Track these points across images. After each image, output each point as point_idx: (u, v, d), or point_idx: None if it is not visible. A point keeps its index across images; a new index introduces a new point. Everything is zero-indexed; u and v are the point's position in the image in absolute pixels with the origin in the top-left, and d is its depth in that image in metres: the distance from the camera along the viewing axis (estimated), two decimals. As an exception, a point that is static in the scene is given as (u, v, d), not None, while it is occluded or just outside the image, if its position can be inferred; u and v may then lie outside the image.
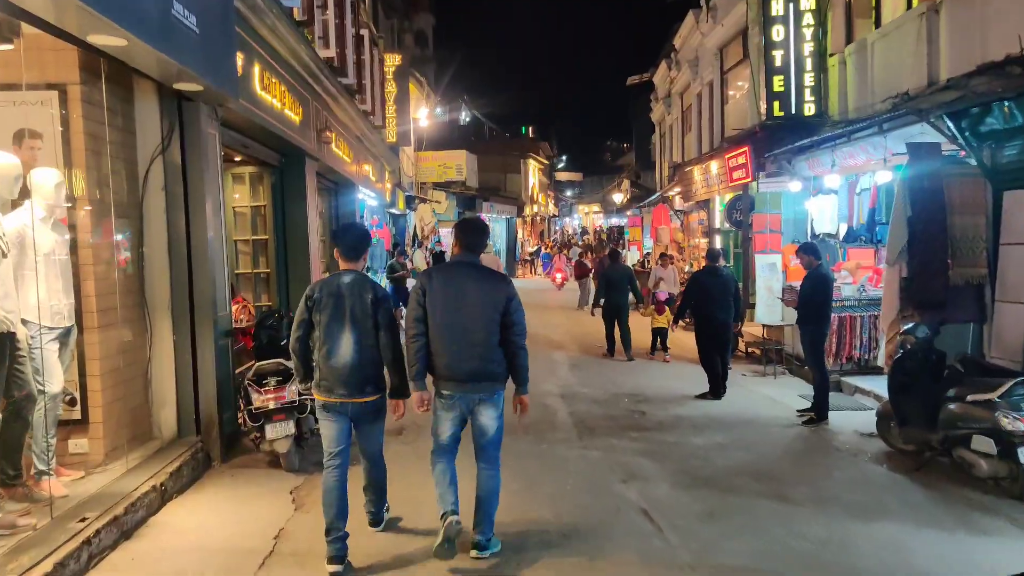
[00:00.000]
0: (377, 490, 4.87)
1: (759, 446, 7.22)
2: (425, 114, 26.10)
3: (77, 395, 5.25)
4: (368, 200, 17.67)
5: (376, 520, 4.95)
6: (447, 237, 30.18)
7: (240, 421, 6.25)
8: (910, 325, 7.27)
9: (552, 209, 53.73)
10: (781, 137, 12.01)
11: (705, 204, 18.27)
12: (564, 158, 68.95)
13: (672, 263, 16.05)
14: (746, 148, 12.20)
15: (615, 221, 67.07)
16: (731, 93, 16.86)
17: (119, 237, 5.76)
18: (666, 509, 5.49)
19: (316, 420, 6.67)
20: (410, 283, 17.20)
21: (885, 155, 8.99)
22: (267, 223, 10.47)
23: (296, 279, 10.65)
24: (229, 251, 10.38)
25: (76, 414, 5.31)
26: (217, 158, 6.80)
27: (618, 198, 35.59)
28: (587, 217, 72.52)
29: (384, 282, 17.59)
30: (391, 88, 19.74)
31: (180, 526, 5.16)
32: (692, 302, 10.00)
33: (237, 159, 9.99)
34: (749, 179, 12.28)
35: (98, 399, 5.35)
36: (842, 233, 11.39)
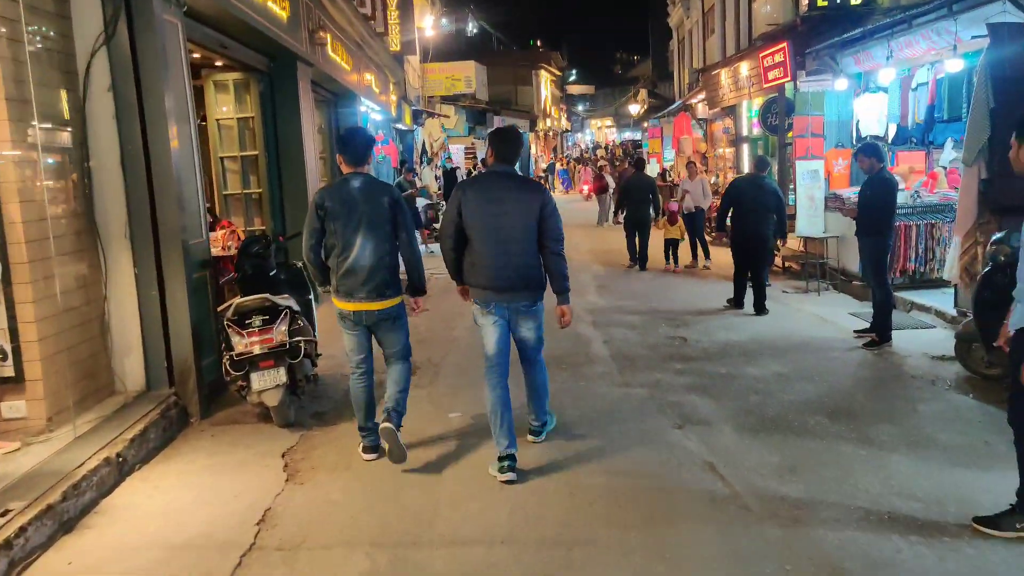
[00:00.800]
0: (400, 393, 4.66)
1: (823, 375, 6.27)
2: (431, 23, 24.45)
3: (7, 347, 4.28)
4: (372, 114, 16.43)
5: (399, 413, 4.66)
6: (457, 154, 28.91)
7: (224, 370, 5.29)
8: (1001, 234, 6.19)
9: (565, 124, 51.89)
10: (822, 31, 10.73)
11: (732, 111, 16.95)
12: (574, 72, 66.49)
13: (699, 173, 14.84)
14: (784, 45, 10.89)
15: (628, 135, 65.33)
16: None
17: (51, 148, 4.70)
18: (737, 463, 4.53)
19: (313, 364, 5.87)
20: (420, 202, 16.14)
21: (953, 41, 7.76)
22: (256, 137, 9.37)
23: (292, 200, 9.63)
24: (215, 169, 9.37)
25: (8, 370, 4.35)
26: (181, 53, 5.69)
27: (634, 109, 33.93)
28: (599, 132, 70.57)
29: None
30: (393, -7, 18.22)
31: (140, 510, 4.14)
32: (729, 212, 9.12)
33: (218, 63, 8.85)
34: (787, 79, 11.01)
35: (35, 351, 4.35)
36: (891, 135, 10.18)
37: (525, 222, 4.34)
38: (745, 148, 16.76)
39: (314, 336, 5.99)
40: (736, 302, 9.07)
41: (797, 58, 10.72)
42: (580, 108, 68.59)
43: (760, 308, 8.69)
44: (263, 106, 9.33)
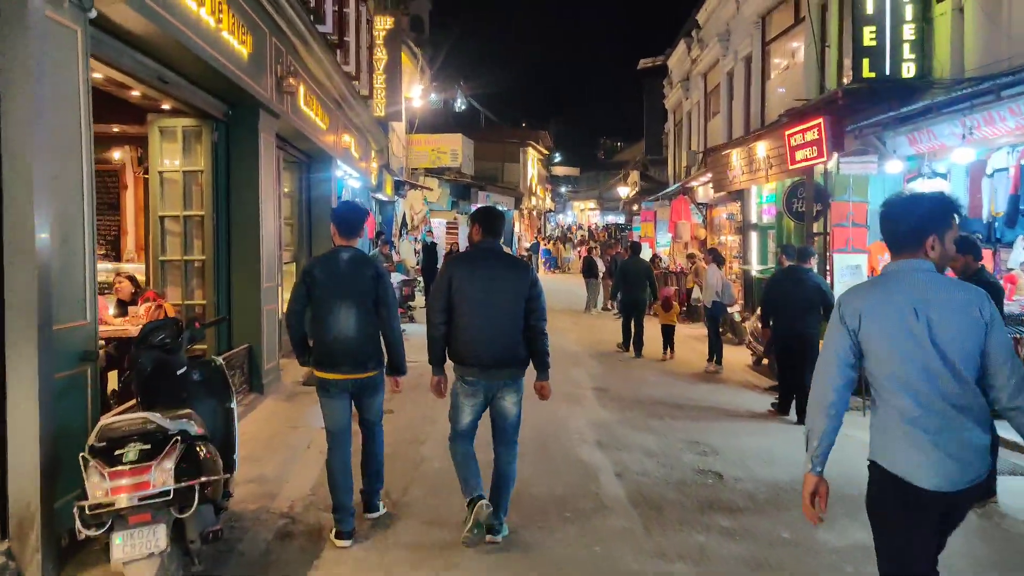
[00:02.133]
0: (374, 467, 4.77)
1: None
2: (419, 92, 23.43)
3: None
4: (349, 180, 15.05)
5: (372, 507, 4.79)
6: (438, 228, 27.59)
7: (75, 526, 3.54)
8: None
9: (549, 204, 51.11)
10: (862, 108, 9.53)
11: (739, 196, 15.76)
12: (558, 154, 66.31)
13: (706, 262, 13.48)
14: (819, 121, 9.67)
15: (612, 219, 64.85)
16: (778, 62, 14.34)
17: None
18: None
19: (219, 509, 4.17)
20: (395, 278, 14.61)
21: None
22: (204, 195, 7.85)
23: (241, 270, 8.06)
24: (153, 230, 7.80)
25: None
26: (78, 70, 4.18)
27: (623, 192, 32.98)
28: (582, 214, 70.07)
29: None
30: (380, 55, 17.11)
31: None
32: (771, 309, 8.22)
33: (165, 106, 7.38)
34: (822, 159, 9.75)
35: None
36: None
37: (514, 299, 4.41)
38: (753, 236, 15.50)
39: (231, 465, 4.35)
40: (782, 407, 8.14)
41: (835, 137, 9.48)
42: (563, 189, 68.16)
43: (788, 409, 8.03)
44: (216, 159, 7.84)
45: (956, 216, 2.73)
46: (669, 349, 11.85)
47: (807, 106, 10.37)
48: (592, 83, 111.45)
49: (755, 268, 15.35)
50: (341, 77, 11.49)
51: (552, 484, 5.64)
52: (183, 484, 3.34)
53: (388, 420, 6.74)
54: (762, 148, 12.50)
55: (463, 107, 40.26)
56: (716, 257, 12.06)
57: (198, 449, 3.61)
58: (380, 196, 20.15)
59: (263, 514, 4.76)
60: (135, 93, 6.68)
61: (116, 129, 8.34)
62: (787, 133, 10.86)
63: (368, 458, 4.76)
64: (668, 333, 11.89)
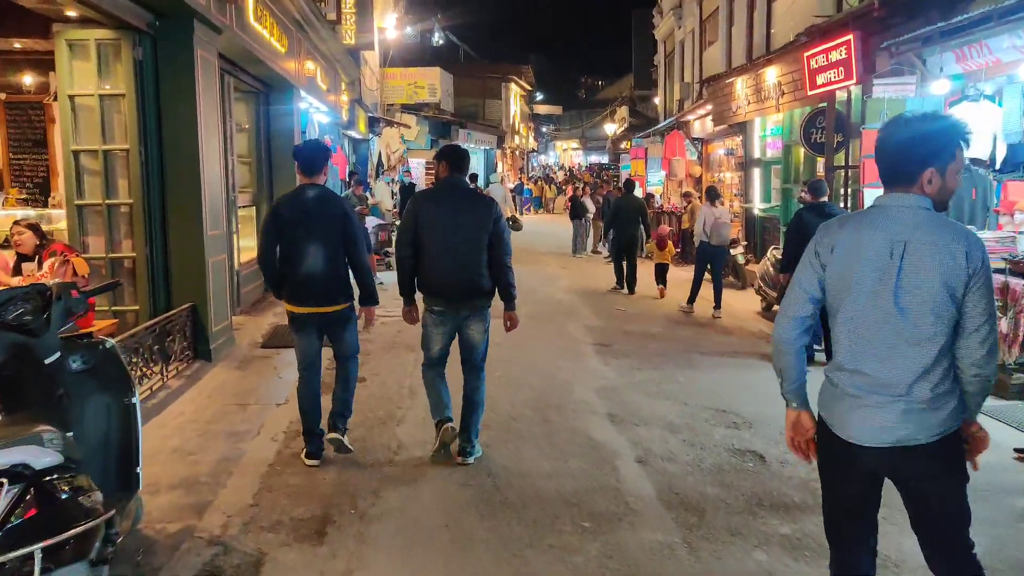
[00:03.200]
0: (343, 396, 4.79)
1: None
2: (393, 22, 21.71)
3: None
4: (316, 114, 13.63)
5: (335, 427, 4.74)
6: (417, 168, 26.14)
7: None
8: None
9: (532, 143, 49.44)
10: (898, 22, 8.25)
11: (740, 129, 14.52)
12: (540, 93, 64.25)
13: (700, 200, 12.31)
14: (849, 37, 8.40)
15: (595, 158, 63.26)
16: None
17: None
18: None
19: (102, 562, 3.00)
20: (370, 221, 13.34)
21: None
22: (128, 126, 6.52)
23: (179, 215, 6.82)
24: (64, 168, 6.50)
25: None
26: None
27: (610, 129, 31.54)
28: (564, 153, 68.41)
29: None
30: (348, -26, 15.47)
31: None
32: (793, 249, 7.15)
33: (71, 13, 6.00)
34: (851, 80, 8.51)
35: None
36: (999, 158, 7.70)
37: (479, 233, 4.56)
38: (756, 173, 14.33)
39: (131, 483, 3.20)
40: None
41: (866, 55, 8.23)
42: (545, 128, 66.28)
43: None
44: (141, 81, 6.50)
45: (963, 145, 2.36)
46: (661, 283, 11.70)
47: (831, 22, 9.08)
48: (574, 16, 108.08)
49: (758, 206, 14.23)
50: (300, -7, 10.01)
51: (561, 476, 4.54)
52: (13, 555, 2.15)
53: (359, 389, 5.66)
54: (772, 74, 11.23)
55: (441, 41, 38.23)
56: (710, 194, 10.92)
57: (56, 490, 2.43)
58: (353, 133, 18.70)
59: (185, 539, 3.60)
60: (27, -6, 5.31)
61: (18, 45, 6.94)
62: (806, 55, 9.58)
63: (339, 387, 4.80)
64: (662, 272, 11.74)
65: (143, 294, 6.71)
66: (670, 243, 12.02)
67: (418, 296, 4.76)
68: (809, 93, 9.61)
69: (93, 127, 6.51)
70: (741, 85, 12.63)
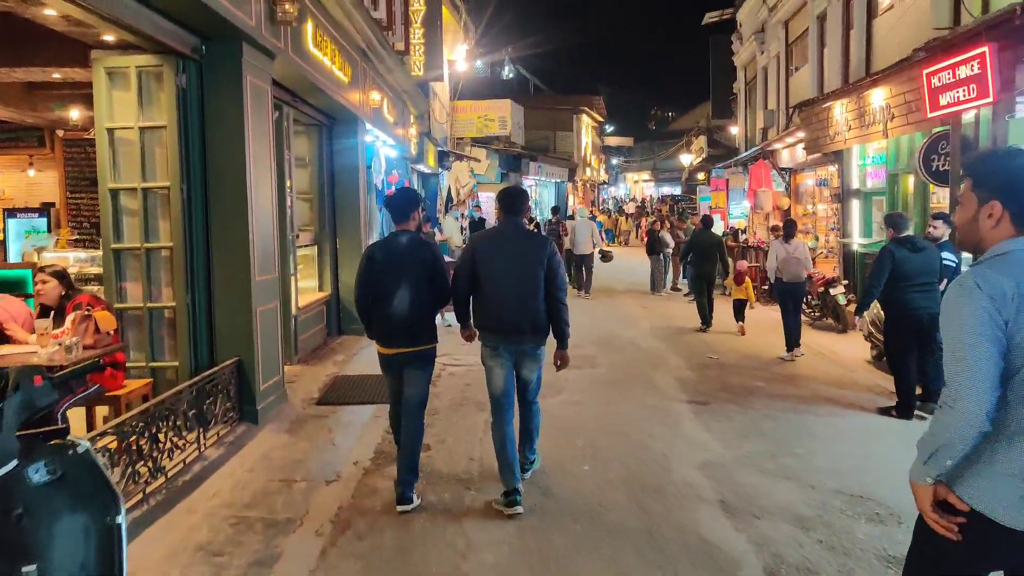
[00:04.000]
0: (410, 454, 4.76)
1: None
2: (463, 54, 21.22)
3: None
4: (383, 148, 13.03)
5: (404, 499, 4.66)
6: (487, 203, 25.48)
7: None
8: None
9: (603, 175, 48.52)
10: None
11: (836, 158, 13.29)
12: (609, 126, 63.42)
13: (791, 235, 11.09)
14: (984, 49, 7.26)
15: (667, 190, 61.87)
16: (888, 3, 11.73)
17: None
18: None
19: None
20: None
21: None
22: (169, 160, 5.87)
23: (224, 259, 6.11)
24: (104, 210, 5.86)
25: None
26: None
27: (686, 159, 30.35)
28: (635, 185, 67.29)
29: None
30: (418, 5, 14.97)
31: None
32: (879, 285, 6.78)
33: (109, 38, 5.40)
34: (989, 99, 7.35)
35: None
36: None
37: (534, 270, 4.71)
38: (855, 205, 13.05)
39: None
40: (904, 409, 6.75)
41: (1006, 69, 7.09)
42: (615, 161, 65.29)
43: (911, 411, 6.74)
44: (184, 111, 5.85)
45: None
46: (742, 324, 11.39)
47: (958, 34, 7.93)
48: (645, 48, 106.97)
49: (857, 241, 12.94)
50: (366, 20, 9.39)
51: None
52: None
53: (422, 464, 4.80)
54: (879, 96, 10.09)
55: (511, 75, 37.95)
56: (786, 231, 10.02)
57: None
58: (422, 168, 18.13)
59: None
60: (50, 12, 4.69)
61: (57, 76, 6.39)
62: (926, 72, 8.45)
63: (406, 443, 4.80)
64: (739, 308, 11.52)
65: (183, 348, 6.00)
66: (748, 279, 11.71)
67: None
68: (930, 115, 8.45)
69: (132, 163, 5.88)
70: (840, 110, 11.49)
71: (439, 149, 19.52)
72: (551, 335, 4.83)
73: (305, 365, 8.67)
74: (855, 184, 13.04)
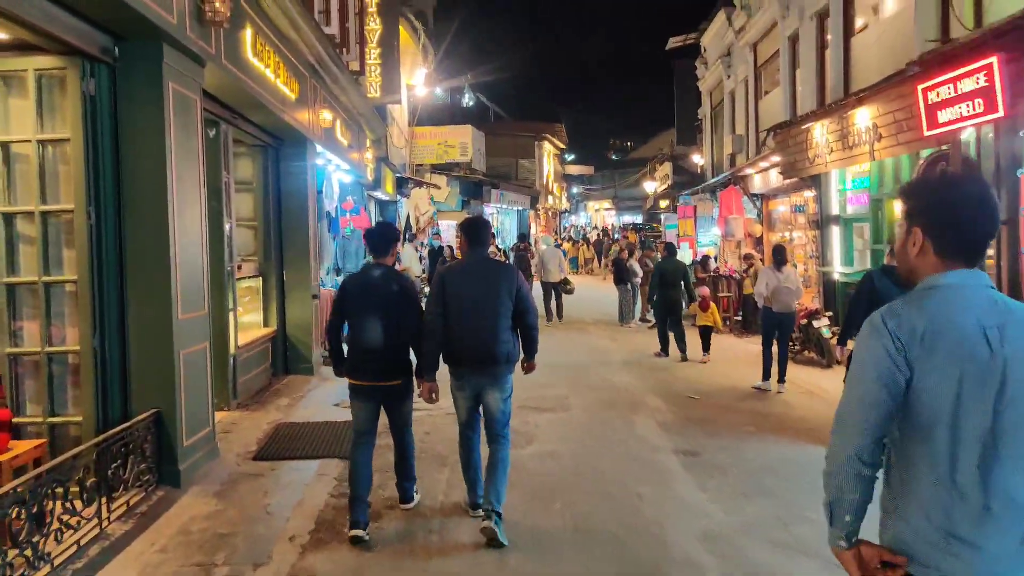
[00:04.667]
0: (406, 466, 5.07)
1: None
2: (422, 78, 20.55)
3: None
4: (337, 173, 12.21)
5: (407, 497, 5.10)
6: (447, 231, 24.72)
7: None
8: None
9: (564, 203, 48.09)
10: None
11: (813, 183, 12.79)
12: (570, 155, 63.28)
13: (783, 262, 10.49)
14: (992, 60, 6.72)
15: (628, 218, 61.74)
16: (870, 9, 11.30)
17: None
18: None
19: None
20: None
21: None
22: (75, 179, 4.98)
23: (140, 295, 5.20)
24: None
25: None
26: None
27: (650, 187, 29.94)
28: (596, 214, 67.14)
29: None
30: (374, 25, 14.26)
31: None
32: (860, 314, 6.21)
33: (1, 36, 4.52)
34: (999, 113, 6.78)
35: None
36: None
37: (503, 300, 4.71)
38: (835, 231, 12.53)
39: None
40: None
41: (1015, 81, 6.54)
42: (575, 189, 65.15)
43: None
44: (93, 123, 4.98)
45: None
46: (707, 350, 11.42)
47: (958, 45, 7.40)
48: (606, 75, 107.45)
49: (837, 270, 12.41)
50: (315, 33, 8.61)
51: None
52: None
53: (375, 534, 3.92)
54: (864, 116, 9.57)
55: (471, 102, 37.39)
56: (777, 257, 9.49)
57: None
58: (379, 195, 17.32)
59: None
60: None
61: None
62: (921, 87, 7.90)
63: (400, 460, 5.07)
64: (706, 334, 11.50)
65: (89, 399, 5.06)
66: (712, 304, 11.78)
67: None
68: (927, 133, 7.90)
69: (30, 182, 4.98)
70: (820, 131, 10.97)
71: (397, 175, 18.74)
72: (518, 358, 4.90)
73: (245, 411, 7.73)
74: (835, 210, 12.53)
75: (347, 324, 4.90)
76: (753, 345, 12.81)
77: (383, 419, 4.96)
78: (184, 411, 5.38)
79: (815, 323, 11.08)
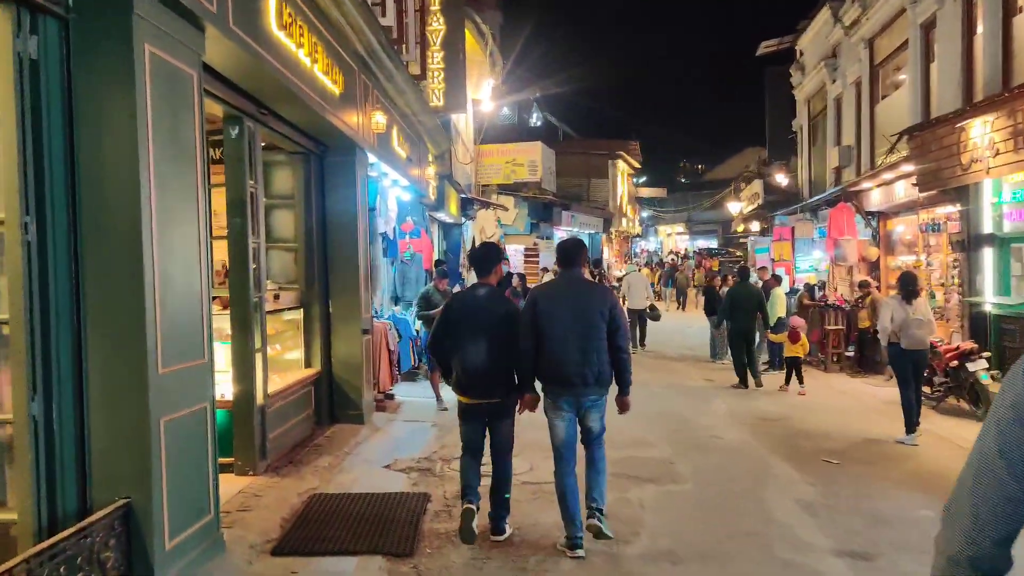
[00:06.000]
0: (501, 496, 5.00)
1: None
2: (489, 89, 19.09)
3: None
4: (394, 190, 10.77)
5: (498, 529, 5.01)
6: (515, 256, 23.15)
7: None
8: None
9: (637, 227, 46.12)
10: None
11: (960, 195, 10.67)
12: (639, 178, 61.25)
13: (914, 294, 8.48)
14: None
15: (702, 243, 59.25)
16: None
17: None
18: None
19: None
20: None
21: None
22: (5, 179, 3.52)
23: (103, 343, 3.65)
24: None
25: None
26: None
27: (735, 208, 27.85)
28: (668, 239, 64.81)
29: (416, 323, 10.59)
30: (437, 26, 12.85)
31: None
32: None
33: None
34: None
35: None
36: None
37: (596, 321, 4.78)
38: (987, 254, 10.43)
39: None
40: None
41: None
42: (645, 213, 63.03)
43: None
44: (34, 97, 3.53)
45: None
46: (789, 382, 10.95)
47: None
48: (682, 91, 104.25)
49: (990, 300, 10.31)
50: (360, 11, 7.13)
51: None
52: None
53: None
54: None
55: (538, 122, 36.05)
56: (906, 287, 8.02)
57: None
58: (442, 216, 15.85)
59: None
60: None
61: None
62: None
63: (497, 484, 5.01)
64: (792, 365, 11.02)
65: (27, 488, 3.56)
66: (804, 336, 11.06)
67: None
68: None
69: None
70: (982, 130, 8.98)
71: (462, 196, 17.26)
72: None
73: (274, 476, 6.20)
74: (987, 228, 10.41)
75: (452, 343, 4.97)
76: (872, 387, 11.22)
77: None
78: (167, 500, 3.84)
79: (969, 365, 9.05)
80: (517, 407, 5.05)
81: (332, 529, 5.11)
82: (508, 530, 4.99)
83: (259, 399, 6.16)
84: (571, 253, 5.07)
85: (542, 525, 5.18)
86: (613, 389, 4.88)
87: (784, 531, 5.17)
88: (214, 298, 6.82)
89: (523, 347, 4.84)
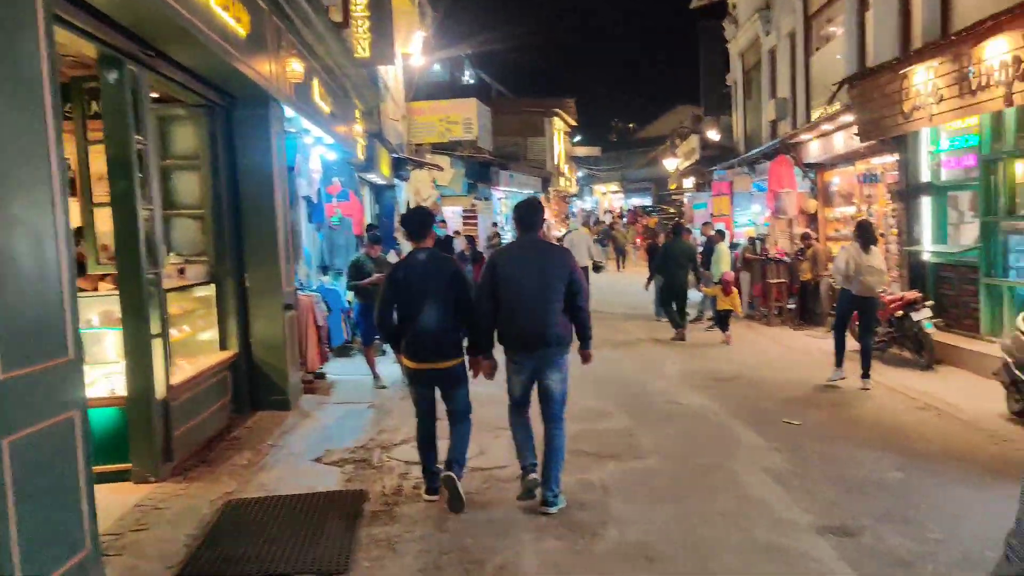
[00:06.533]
0: (461, 446, 4.99)
1: None
2: (420, 42, 18.07)
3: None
4: (317, 148, 9.90)
5: (452, 470, 4.95)
6: (453, 218, 22.38)
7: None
8: None
9: (574, 186, 45.60)
10: None
11: (898, 144, 10.36)
12: (575, 137, 60.64)
13: (872, 242, 8.18)
14: None
15: (636, 201, 59.17)
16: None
17: None
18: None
19: None
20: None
21: None
22: None
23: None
24: None
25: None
26: None
27: (670, 164, 27.47)
28: (604, 197, 64.64)
29: (347, 293, 9.80)
30: (359, -31, 11.84)
31: None
32: None
33: None
34: None
35: None
36: None
37: (555, 283, 4.78)
38: (925, 203, 10.17)
39: None
40: None
41: None
42: (580, 173, 62.64)
43: None
44: None
45: None
46: (726, 330, 11.31)
47: None
48: (614, 48, 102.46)
49: (928, 249, 10.07)
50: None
51: None
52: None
53: None
54: (997, 49, 7.24)
55: (471, 79, 34.98)
56: (863, 236, 8.05)
57: None
58: (373, 177, 14.98)
59: None
60: None
61: None
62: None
63: (454, 443, 4.97)
64: (724, 317, 11.44)
65: None
66: (735, 290, 11.69)
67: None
68: None
69: None
70: (925, 76, 8.58)
71: (394, 155, 16.36)
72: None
73: (181, 480, 5.42)
74: (924, 177, 10.16)
75: (399, 311, 4.94)
76: (815, 339, 11.04)
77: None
78: (18, 543, 3.06)
79: (914, 315, 8.81)
80: (473, 366, 5.00)
81: (249, 545, 4.36)
82: (464, 473, 5.03)
83: (160, 392, 5.34)
84: (530, 216, 5.02)
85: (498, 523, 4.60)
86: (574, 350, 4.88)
87: (760, 508, 4.70)
88: (104, 276, 6.03)
89: (483, 310, 4.85)
